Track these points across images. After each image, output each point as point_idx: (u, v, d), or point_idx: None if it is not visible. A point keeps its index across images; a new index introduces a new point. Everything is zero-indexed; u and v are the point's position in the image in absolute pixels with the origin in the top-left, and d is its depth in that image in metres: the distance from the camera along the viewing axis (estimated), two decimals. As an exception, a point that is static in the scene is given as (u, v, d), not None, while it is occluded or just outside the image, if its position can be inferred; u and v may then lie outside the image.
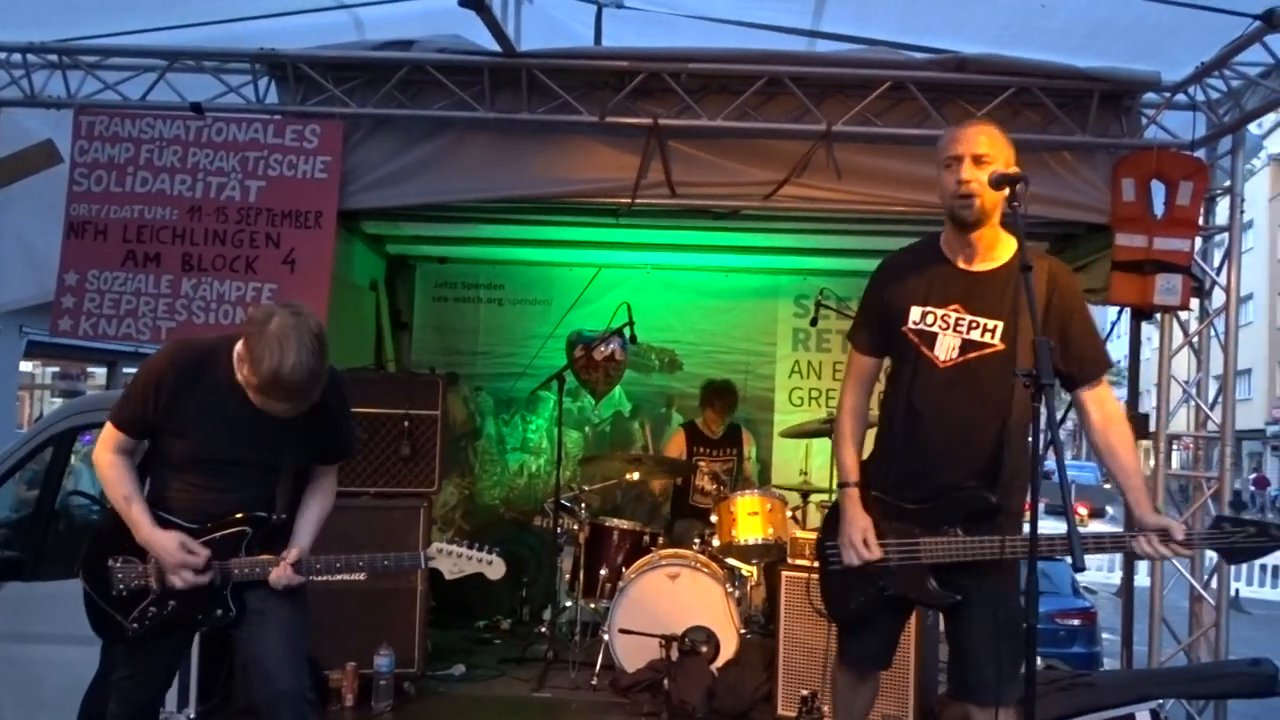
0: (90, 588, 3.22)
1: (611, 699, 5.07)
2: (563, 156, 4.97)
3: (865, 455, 3.28)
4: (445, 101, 4.88)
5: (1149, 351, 5.97)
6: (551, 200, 5.25)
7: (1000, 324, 2.95)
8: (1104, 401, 3.04)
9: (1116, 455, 2.97)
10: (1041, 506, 3.05)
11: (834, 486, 3.44)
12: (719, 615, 5.23)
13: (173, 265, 4.83)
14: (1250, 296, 35.84)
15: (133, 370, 3.40)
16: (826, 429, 5.43)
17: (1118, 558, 11.98)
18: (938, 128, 4.80)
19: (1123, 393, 6.11)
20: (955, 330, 2.98)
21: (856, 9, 4.81)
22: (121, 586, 3.18)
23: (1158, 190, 4.87)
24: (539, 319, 7.58)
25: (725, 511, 5.48)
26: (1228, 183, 5.08)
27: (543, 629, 6.05)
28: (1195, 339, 5.24)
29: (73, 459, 5.59)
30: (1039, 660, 4.10)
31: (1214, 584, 5.11)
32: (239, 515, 3.20)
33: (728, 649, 5.18)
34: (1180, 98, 4.93)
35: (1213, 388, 5.24)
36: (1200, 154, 5.00)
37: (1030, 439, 2.93)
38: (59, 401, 14.19)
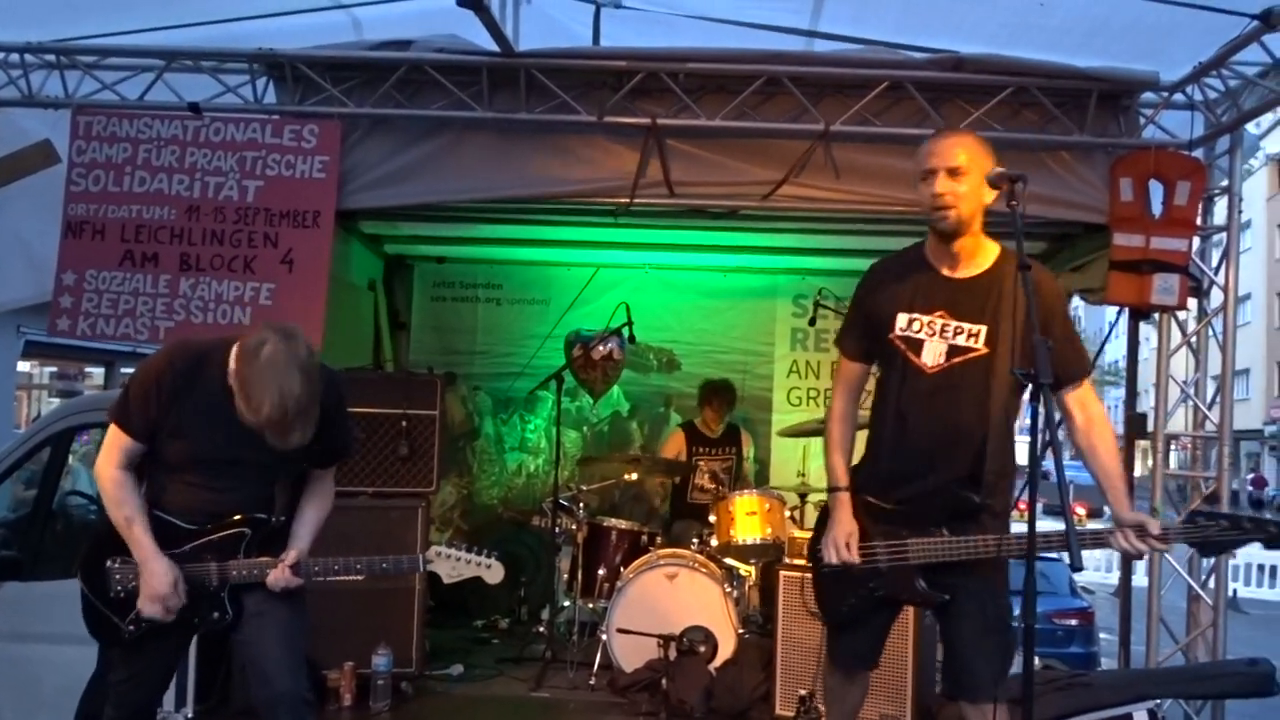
0: (88, 589, 3.22)
1: (609, 699, 5.07)
2: (561, 156, 4.97)
3: (856, 460, 3.32)
4: (443, 101, 4.87)
5: (1147, 351, 5.98)
6: (550, 200, 5.25)
7: (984, 328, 3.01)
8: (1087, 404, 3.08)
9: (1098, 456, 3.03)
10: (1040, 506, 3.07)
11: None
12: (717, 615, 5.22)
13: (171, 265, 4.82)
14: (1248, 296, 35.88)
15: (130, 370, 3.39)
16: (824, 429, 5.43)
17: (1115, 558, 11.99)
18: (936, 127, 4.80)
19: (1121, 392, 6.11)
20: (941, 336, 3.04)
21: (855, 9, 4.82)
22: (119, 588, 3.18)
23: (1155, 190, 4.88)
24: (537, 319, 7.58)
25: (723, 511, 5.48)
26: (1225, 182, 5.09)
27: (541, 629, 6.06)
28: (1193, 339, 5.24)
29: (70, 459, 5.59)
30: (1036, 660, 4.11)
31: (1211, 584, 5.12)
32: (238, 516, 3.20)
33: (726, 649, 5.17)
34: (1178, 97, 4.93)
35: (1210, 387, 5.25)
36: (1198, 154, 5.00)
37: (1012, 440, 3.06)
38: (56, 401, 14.17)
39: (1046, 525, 2.94)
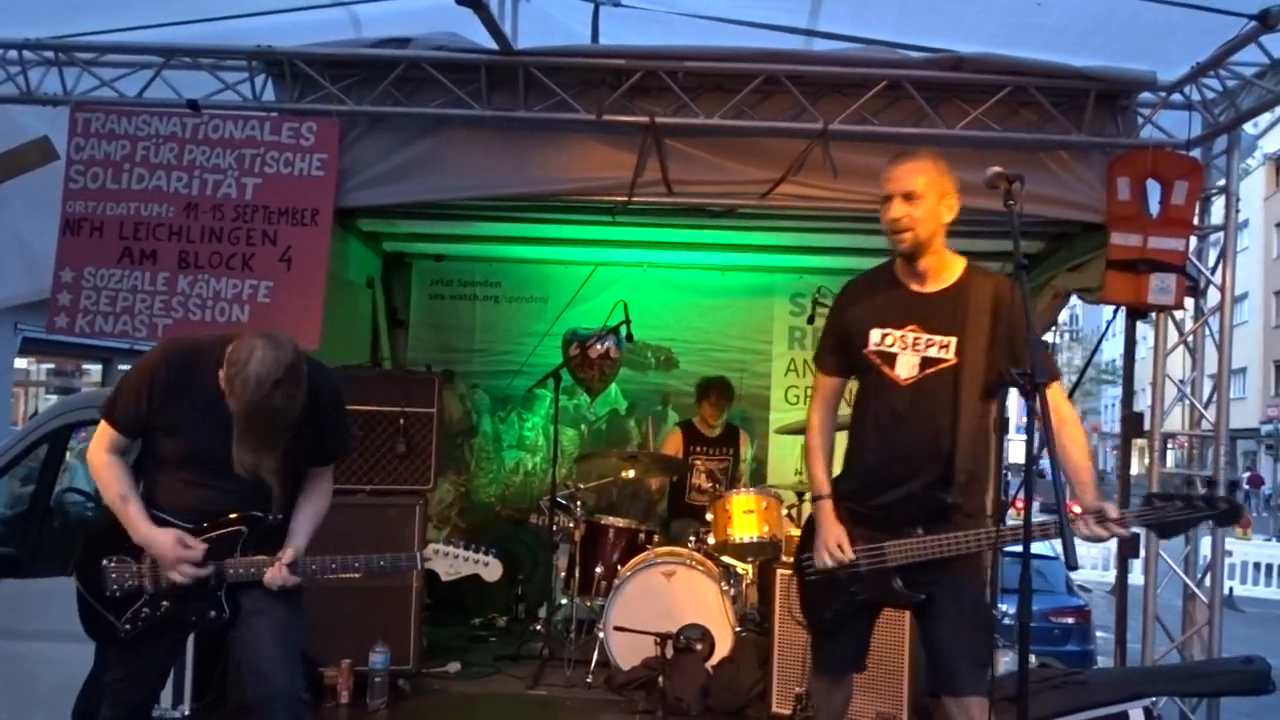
0: (83, 588, 3.22)
1: (606, 696, 5.08)
2: (559, 154, 4.97)
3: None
4: (442, 99, 4.87)
5: (1144, 350, 5.98)
6: (548, 198, 5.25)
7: (954, 340, 3.14)
8: (1057, 406, 3.14)
9: (1069, 455, 3.08)
10: (1036, 505, 3.09)
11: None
12: (714, 613, 5.23)
13: (169, 262, 4.82)
14: (1245, 296, 35.89)
15: (127, 368, 3.39)
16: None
17: (1111, 557, 12.01)
18: (934, 127, 4.82)
19: (1118, 391, 6.10)
20: (914, 349, 3.17)
21: (853, 8, 4.82)
22: (115, 587, 3.18)
23: (1153, 189, 4.88)
24: (535, 317, 7.57)
25: (721, 509, 5.49)
26: (1222, 182, 5.10)
27: (538, 627, 6.07)
28: (1190, 338, 5.26)
29: (67, 456, 5.58)
30: (1033, 658, 4.12)
31: (1207, 582, 5.13)
32: (235, 515, 3.20)
33: (723, 647, 5.18)
34: (1176, 97, 4.94)
35: (1207, 386, 5.26)
36: (1195, 153, 5.01)
37: (984, 443, 3.18)
38: (54, 398, 14.16)
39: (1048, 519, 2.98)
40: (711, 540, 5.55)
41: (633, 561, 5.56)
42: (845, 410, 3.46)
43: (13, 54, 4.96)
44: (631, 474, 6.32)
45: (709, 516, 5.67)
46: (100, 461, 3.16)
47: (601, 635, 5.30)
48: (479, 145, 4.96)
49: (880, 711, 4.50)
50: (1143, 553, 5.31)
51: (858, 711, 4.50)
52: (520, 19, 4.78)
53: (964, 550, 3.12)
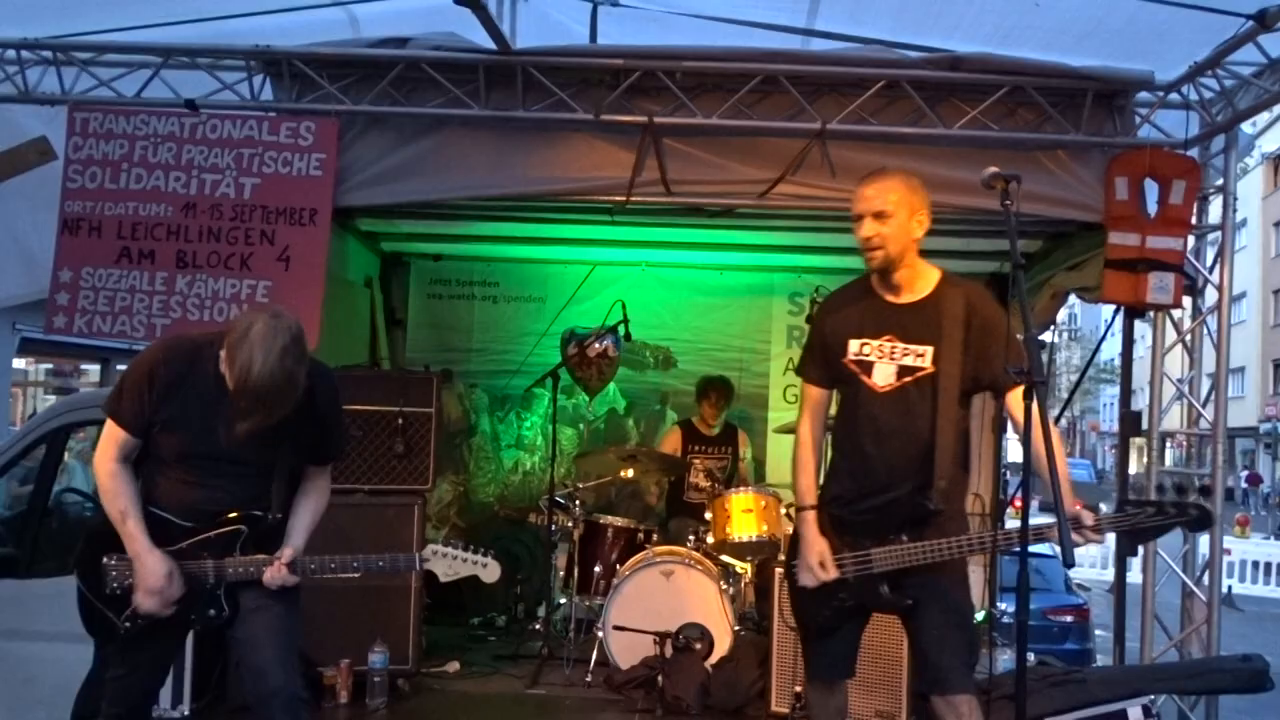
0: (84, 585, 3.22)
1: (606, 696, 5.08)
2: (558, 154, 4.97)
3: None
4: (440, 99, 4.87)
5: (1142, 349, 5.99)
6: (546, 198, 5.25)
7: (930, 349, 3.22)
8: (1030, 406, 3.16)
9: (1040, 457, 3.11)
10: (1035, 504, 3.10)
11: None
12: (713, 612, 5.24)
13: (167, 262, 4.82)
14: (1243, 295, 35.93)
15: (125, 368, 3.39)
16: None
17: (1110, 556, 12.03)
18: (932, 126, 4.83)
19: (1116, 390, 6.10)
20: (891, 358, 3.26)
21: (851, 7, 4.82)
22: (115, 585, 3.18)
23: (1151, 189, 4.89)
24: (534, 316, 7.58)
25: (719, 508, 5.49)
26: (1220, 181, 5.11)
27: (537, 626, 6.07)
28: (1188, 337, 5.26)
29: (66, 456, 5.59)
30: (1032, 656, 4.13)
31: (1206, 580, 5.14)
32: (234, 514, 3.20)
33: (722, 646, 5.19)
34: (1173, 97, 4.95)
35: (1205, 385, 5.26)
36: (1193, 153, 5.01)
37: (964, 447, 3.25)
38: (52, 398, 14.17)
39: (1040, 522, 3.00)
40: (710, 539, 5.55)
41: (631, 561, 5.56)
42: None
43: (11, 53, 4.96)
44: (630, 473, 6.32)
45: (707, 515, 5.68)
46: (106, 470, 3.14)
47: (600, 634, 5.30)
48: (477, 145, 4.96)
49: (879, 710, 4.50)
50: (1141, 551, 5.32)
51: (857, 710, 4.50)
52: (518, 19, 4.78)
53: (950, 555, 3.18)
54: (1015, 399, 3.16)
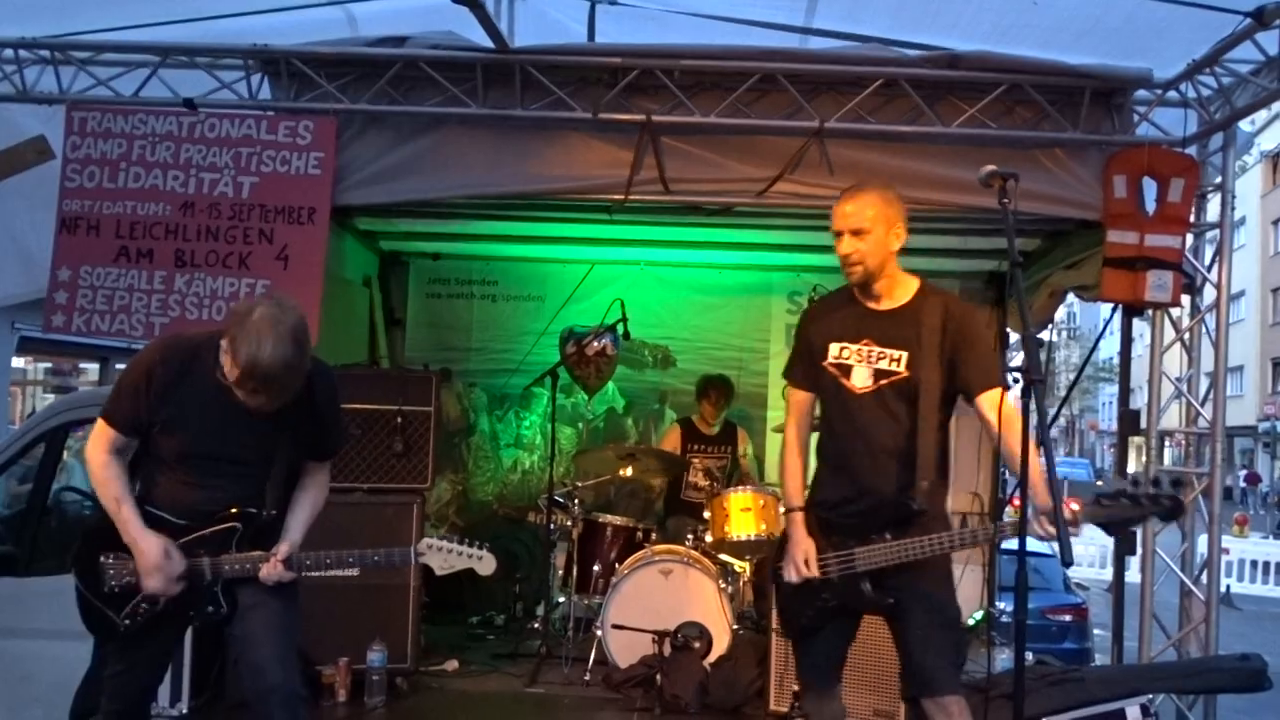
0: (82, 584, 3.23)
1: (604, 694, 5.08)
2: (556, 153, 4.97)
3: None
4: (438, 98, 4.88)
5: (1141, 348, 5.99)
6: (545, 197, 5.25)
7: (905, 354, 3.32)
8: (1008, 412, 3.26)
9: (1015, 453, 3.16)
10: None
11: None
12: (712, 611, 5.24)
13: (166, 261, 4.82)
14: (1242, 294, 35.95)
15: (124, 367, 3.39)
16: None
17: (1109, 554, 12.02)
18: (930, 125, 4.83)
19: (1114, 389, 6.10)
20: (868, 362, 3.36)
21: (849, 6, 4.82)
22: (113, 583, 3.19)
23: (1149, 187, 4.89)
24: (532, 315, 7.57)
25: (718, 507, 5.48)
26: (1219, 179, 5.10)
27: (536, 625, 6.07)
28: (1186, 335, 5.26)
29: (65, 455, 5.59)
30: (1030, 655, 4.13)
31: (1204, 579, 5.14)
32: (230, 511, 3.20)
33: (720, 644, 5.19)
34: (1171, 95, 4.95)
35: (1204, 384, 5.27)
36: (1191, 151, 5.01)
37: (944, 450, 3.34)
38: (51, 397, 14.16)
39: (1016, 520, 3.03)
40: (709, 538, 5.55)
41: (630, 559, 5.56)
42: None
43: (9, 53, 4.96)
44: (629, 472, 6.32)
45: (706, 514, 5.68)
46: (98, 462, 3.16)
47: (599, 633, 5.30)
48: (475, 144, 4.96)
49: (878, 709, 4.50)
50: (1140, 550, 5.33)
51: (856, 709, 4.51)
52: (516, 17, 4.79)
53: (931, 553, 3.23)
54: (987, 400, 3.26)
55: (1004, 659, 5.43)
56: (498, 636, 6.26)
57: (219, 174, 4.86)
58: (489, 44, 4.60)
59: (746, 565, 5.70)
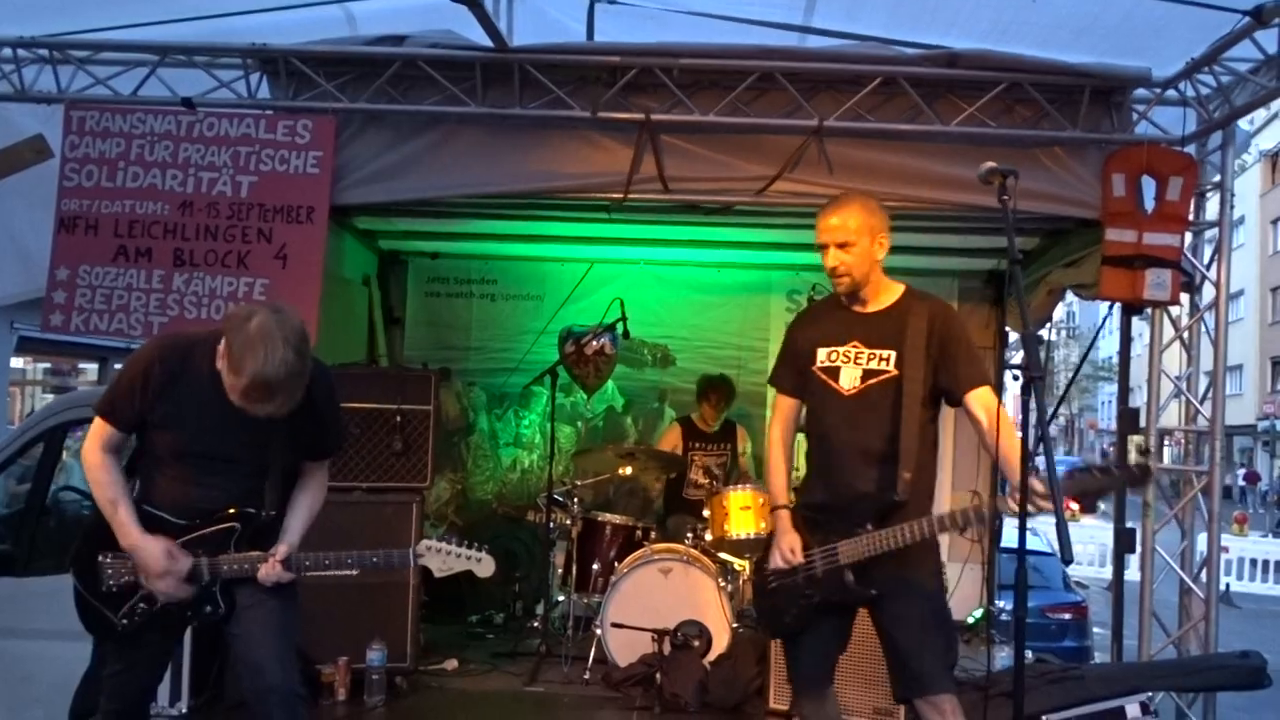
0: (80, 584, 3.22)
1: (604, 693, 5.08)
2: (555, 152, 4.97)
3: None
4: (437, 97, 4.87)
5: (1140, 347, 5.99)
6: (544, 195, 5.25)
7: (893, 353, 3.39)
8: (988, 406, 3.32)
9: (1001, 450, 3.22)
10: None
11: None
12: (711, 609, 5.24)
13: (164, 260, 4.82)
14: (1241, 292, 35.96)
15: (122, 363, 3.39)
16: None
17: (1108, 553, 12.02)
18: (929, 123, 4.83)
19: (1114, 388, 6.10)
20: (856, 363, 3.43)
21: (847, 4, 4.82)
22: (111, 583, 3.18)
23: (1148, 185, 4.89)
24: (532, 314, 7.57)
25: (717, 506, 5.48)
26: (1217, 178, 5.11)
27: (535, 624, 6.07)
28: (1185, 334, 5.26)
29: (64, 455, 5.58)
30: (1030, 654, 4.13)
31: (1204, 577, 5.14)
32: (228, 511, 3.20)
33: (720, 643, 5.19)
34: (1170, 93, 4.95)
35: (1203, 383, 5.27)
36: (1190, 149, 5.02)
37: (929, 445, 3.39)
38: (50, 397, 14.14)
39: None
40: (708, 536, 5.55)
41: (630, 558, 5.56)
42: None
43: (7, 52, 4.96)
44: (629, 471, 6.32)
45: (705, 512, 5.68)
46: (94, 461, 3.15)
47: (599, 632, 5.30)
48: (474, 143, 4.96)
49: (877, 707, 4.50)
50: (1139, 549, 5.33)
51: (855, 707, 4.51)
52: (515, 16, 4.78)
53: (911, 540, 3.24)
54: (974, 398, 3.33)
55: (1004, 657, 5.43)
56: (497, 635, 6.26)
57: (218, 173, 4.86)
58: (488, 43, 4.59)
59: (746, 563, 5.69)
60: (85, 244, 4.82)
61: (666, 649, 5.04)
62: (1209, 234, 5.25)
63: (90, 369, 14.81)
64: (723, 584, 5.36)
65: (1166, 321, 5.22)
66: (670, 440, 6.75)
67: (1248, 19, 4.17)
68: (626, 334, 6.34)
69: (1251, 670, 4.44)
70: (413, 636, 5.06)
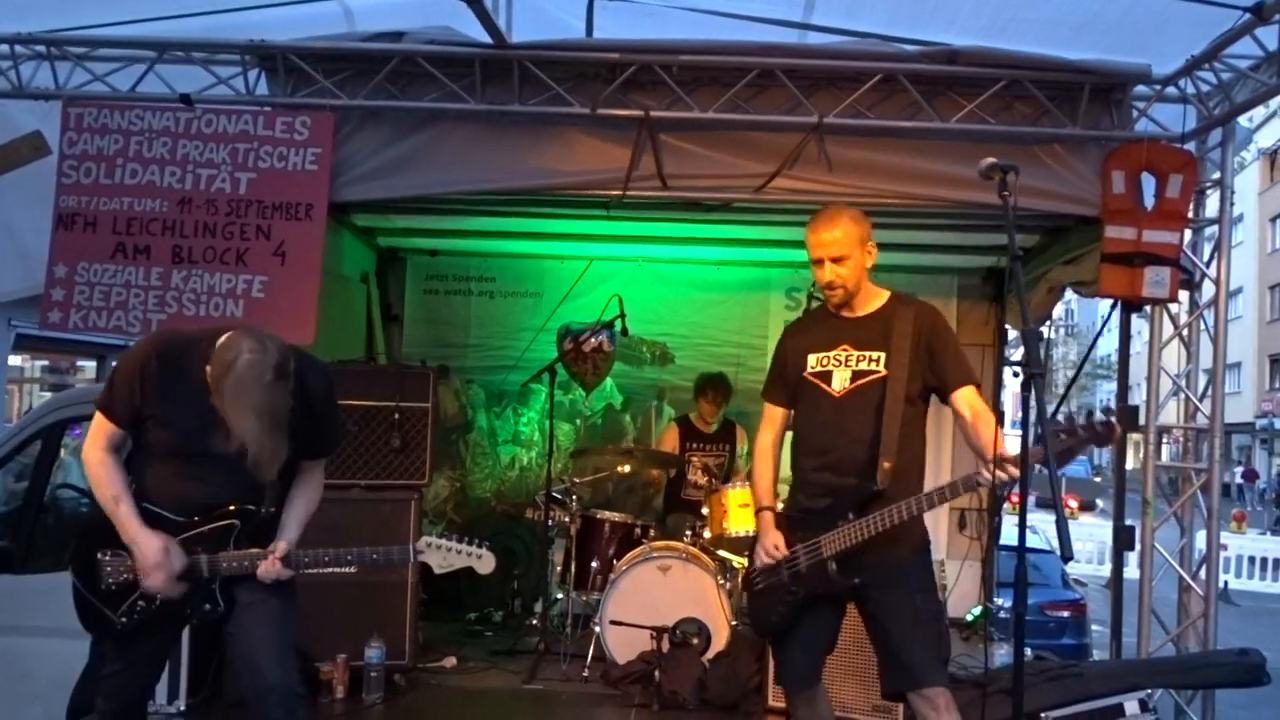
0: (79, 581, 3.22)
1: (602, 691, 5.08)
2: (554, 149, 4.96)
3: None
4: (436, 93, 4.86)
5: (1139, 345, 5.99)
6: (543, 192, 5.23)
7: (882, 354, 3.48)
8: (972, 403, 3.41)
9: (980, 436, 3.30)
10: (1032, 500, 3.10)
11: None
12: (710, 607, 5.24)
13: (163, 257, 4.81)
14: (1240, 290, 35.99)
15: (119, 359, 3.38)
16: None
17: (1107, 550, 12.04)
18: (929, 120, 4.82)
19: (1113, 386, 6.10)
20: (846, 365, 3.52)
21: (847, 2, 4.81)
22: (110, 580, 3.18)
23: (1147, 183, 4.89)
24: (530, 312, 7.56)
25: (716, 503, 5.48)
26: (1217, 175, 5.10)
27: (534, 621, 6.06)
28: (1185, 331, 5.26)
29: (62, 452, 5.58)
30: (1028, 651, 4.13)
31: (1202, 575, 5.14)
32: (228, 508, 3.19)
33: (719, 640, 5.19)
34: (1170, 90, 4.94)
35: (1202, 380, 5.27)
36: (1190, 147, 5.01)
37: (914, 438, 3.46)
38: (48, 395, 14.13)
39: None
40: (707, 534, 5.55)
41: (628, 556, 5.56)
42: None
43: (4, 48, 4.95)
44: (627, 469, 6.31)
45: (704, 510, 5.67)
46: (95, 459, 3.15)
47: (597, 630, 5.30)
48: (473, 139, 4.95)
49: (875, 704, 4.50)
50: (1138, 546, 5.33)
51: (854, 705, 4.51)
52: (514, 13, 4.77)
53: (893, 523, 3.28)
54: (960, 396, 3.40)
55: (1002, 655, 5.44)
56: (496, 633, 6.26)
57: (216, 170, 4.85)
58: (487, 39, 4.58)
59: (745, 561, 5.69)
60: (83, 241, 4.81)
61: (665, 646, 5.04)
62: (1208, 231, 5.25)
63: (88, 366, 14.78)
64: (721, 581, 5.35)
65: (1166, 319, 5.21)
66: (668, 441, 6.75)
67: (1248, 15, 4.16)
68: (625, 331, 6.33)
69: (1250, 667, 4.45)
70: (411, 634, 5.06)
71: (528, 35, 4.77)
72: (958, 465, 6.55)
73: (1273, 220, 37.34)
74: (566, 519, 5.90)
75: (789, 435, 3.76)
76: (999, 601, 6.69)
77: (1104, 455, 42.27)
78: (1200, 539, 5.33)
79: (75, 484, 5.75)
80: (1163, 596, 5.14)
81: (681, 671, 4.92)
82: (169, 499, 3.17)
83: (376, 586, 4.94)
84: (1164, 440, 5.60)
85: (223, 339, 3.01)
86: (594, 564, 5.77)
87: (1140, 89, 4.95)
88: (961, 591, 6.26)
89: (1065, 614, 9.18)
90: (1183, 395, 5.25)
